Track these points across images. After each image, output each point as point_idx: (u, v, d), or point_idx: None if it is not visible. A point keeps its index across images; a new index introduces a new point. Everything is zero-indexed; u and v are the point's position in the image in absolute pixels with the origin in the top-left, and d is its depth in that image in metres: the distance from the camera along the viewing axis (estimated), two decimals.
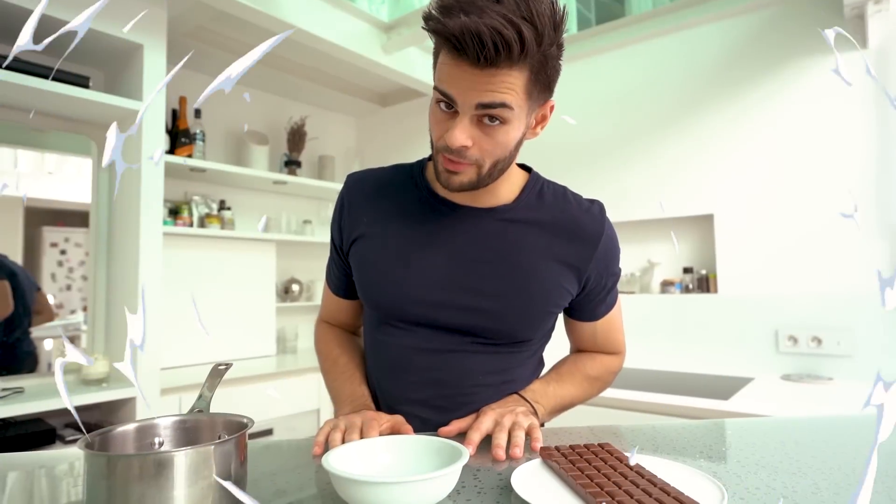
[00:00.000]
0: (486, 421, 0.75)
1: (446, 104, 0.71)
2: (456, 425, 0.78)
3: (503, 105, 0.68)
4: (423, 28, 0.69)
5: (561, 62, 0.73)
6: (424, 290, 0.82)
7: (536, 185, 0.86)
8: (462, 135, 0.69)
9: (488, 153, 0.72)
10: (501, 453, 0.69)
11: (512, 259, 0.81)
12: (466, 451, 0.58)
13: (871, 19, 1.92)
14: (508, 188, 0.84)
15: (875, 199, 1.93)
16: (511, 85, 0.67)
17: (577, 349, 0.98)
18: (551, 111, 0.79)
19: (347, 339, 1.00)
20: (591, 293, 0.87)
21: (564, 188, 0.88)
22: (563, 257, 0.82)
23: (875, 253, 1.92)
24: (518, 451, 0.70)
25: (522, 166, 0.89)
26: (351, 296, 0.95)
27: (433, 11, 0.67)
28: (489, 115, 0.69)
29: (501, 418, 0.75)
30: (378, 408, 0.89)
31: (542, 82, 0.71)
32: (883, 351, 1.87)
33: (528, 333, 0.85)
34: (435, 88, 0.71)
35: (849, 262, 1.96)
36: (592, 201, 0.88)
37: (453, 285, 0.81)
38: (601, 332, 0.93)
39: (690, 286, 2.33)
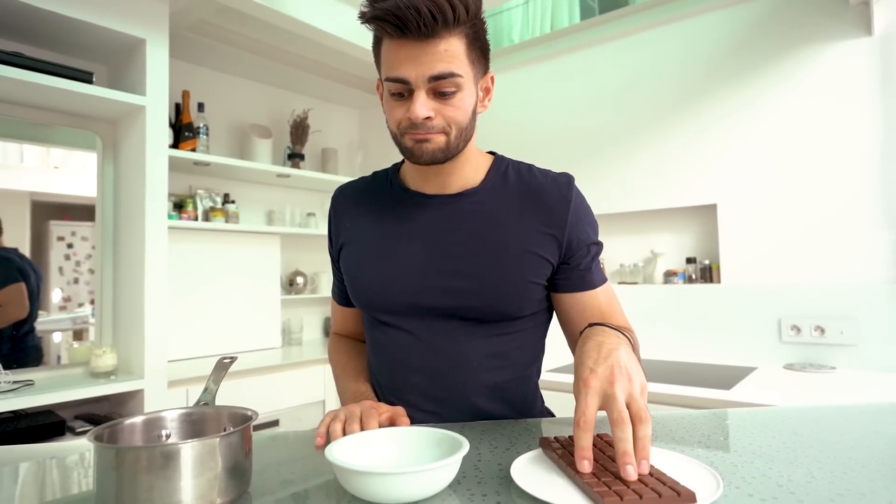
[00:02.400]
0: (590, 403, 0.58)
1: (399, 93, 0.76)
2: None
3: (452, 74, 0.74)
4: (362, 23, 0.75)
5: (488, 37, 0.81)
6: (404, 278, 0.85)
7: (501, 166, 0.89)
8: (423, 108, 0.74)
9: (452, 120, 0.77)
10: (632, 472, 0.53)
11: (484, 236, 0.83)
12: (466, 442, 0.59)
13: (877, 6, 1.90)
14: (474, 172, 0.87)
15: (880, 188, 1.92)
16: (453, 53, 0.74)
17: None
18: (492, 83, 0.85)
19: (354, 346, 1.05)
20: (575, 258, 0.85)
21: (530, 165, 0.90)
22: (535, 226, 0.83)
23: (879, 242, 1.91)
24: (646, 464, 0.54)
25: (489, 152, 0.92)
26: (351, 303, 1.00)
27: (365, 7, 0.73)
28: (442, 87, 0.75)
29: (611, 388, 0.57)
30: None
31: (479, 50, 0.78)
32: (886, 340, 1.87)
33: (513, 308, 0.84)
34: (386, 80, 0.76)
35: (852, 252, 1.96)
36: (561, 173, 0.89)
37: (431, 270, 0.84)
38: (605, 305, 0.87)
39: (694, 276, 2.33)
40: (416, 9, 0.69)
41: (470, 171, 0.87)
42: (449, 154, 0.80)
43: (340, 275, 0.98)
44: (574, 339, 0.89)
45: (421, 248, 0.85)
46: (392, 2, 0.70)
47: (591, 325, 0.75)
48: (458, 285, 0.83)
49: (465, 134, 0.80)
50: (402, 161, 0.94)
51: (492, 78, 0.84)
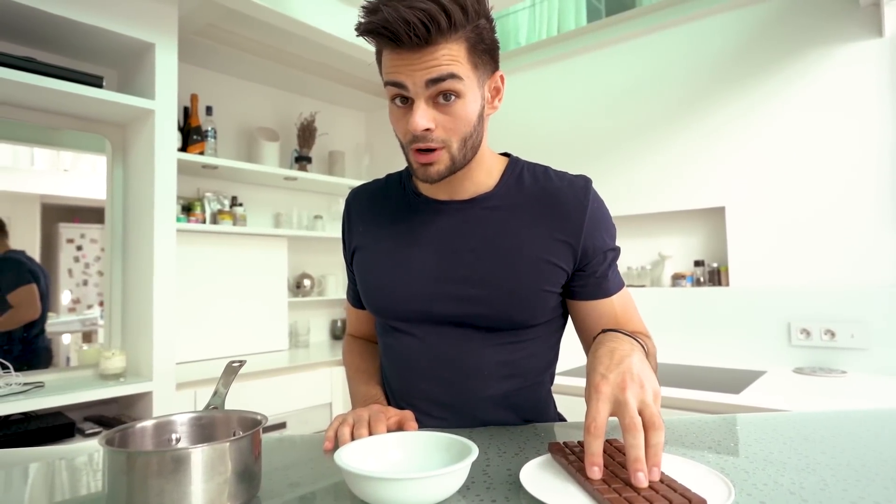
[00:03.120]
0: (601, 409, 0.57)
1: (401, 98, 0.74)
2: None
3: (451, 76, 0.71)
4: (358, 36, 0.73)
5: (496, 36, 0.78)
6: (415, 285, 0.84)
7: (516, 170, 0.87)
8: (422, 119, 0.72)
9: (453, 131, 0.74)
10: (643, 479, 0.53)
11: (496, 244, 0.81)
12: (475, 448, 0.59)
13: (888, 6, 1.88)
14: (487, 176, 0.85)
15: (889, 190, 1.90)
16: (453, 57, 0.71)
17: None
18: (503, 82, 0.82)
19: (368, 348, 1.04)
20: (591, 266, 0.83)
21: (546, 167, 0.87)
22: (550, 233, 0.81)
23: (889, 244, 1.89)
24: (657, 471, 0.54)
25: (504, 154, 0.90)
26: (358, 303, 1.01)
27: (361, 18, 0.71)
28: (442, 91, 0.72)
29: (622, 394, 0.57)
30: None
31: (483, 52, 0.74)
32: None
33: (526, 316, 0.82)
34: (386, 85, 0.74)
35: (862, 254, 1.94)
36: (578, 175, 0.86)
37: (442, 277, 0.83)
38: (620, 312, 0.86)
39: (702, 279, 2.31)
40: (405, 21, 0.67)
41: (483, 175, 0.84)
42: (456, 168, 0.78)
43: (354, 278, 0.97)
44: (589, 344, 0.87)
45: (433, 254, 0.83)
46: (382, 14, 0.68)
47: (604, 330, 0.74)
48: (469, 293, 0.81)
49: (472, 142, 0.77)
50: None
51: (501, 77, 0.81)
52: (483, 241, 0.82)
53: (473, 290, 0.81)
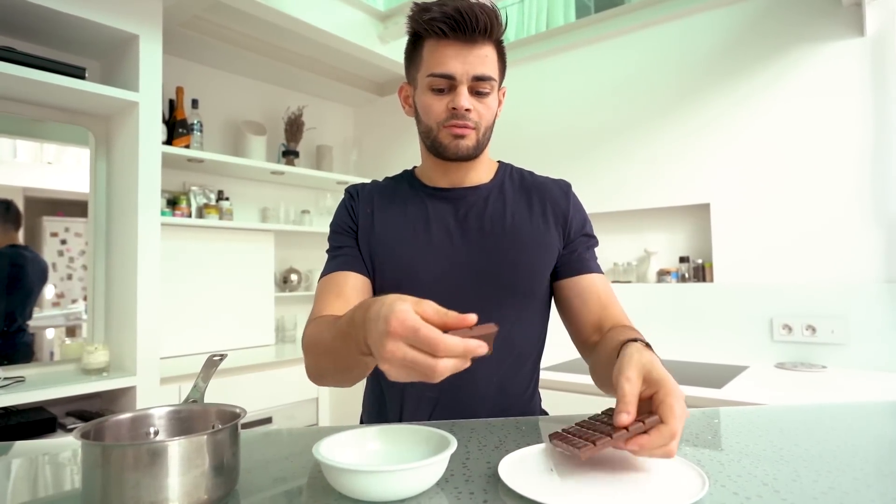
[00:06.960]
0: (678, 427, 0.58)
1: (440, 88, 0.86)
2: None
3: (490, 77, 0.86)
4: (414, 27, 0.86)
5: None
6: (431, 256, 0.90)
7: (507, 169, 1.01)
8: (466, 100, 0.85)
9: (483, 118, 0.88)
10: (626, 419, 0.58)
11: (500, 223, 0.93)
12: (454, 440, 0.59)
13: (869, 6, 1.90)
14: (485, 172, 0.98)
15: (870, 187, 1.93)
16: (490, 60, 0.86)
17: (586, 334, 0.91)
18: (503, 96, 0.96)
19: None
20: (572, 245, 0.95)
21: (531, 171, 1.02)
22: (542, 217, 0.94)
23: (870, 242, 1.92)
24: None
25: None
26: (356, 268, 0.91)
27: (417, 14, 0.85)
28: (480, 87, 0.86)
29: (682, 425, 0.60)
30: (384, 411, 0.95)
31: (502, 64, 0.91)
32: (876, 339, 1.88)
33: (527, 289, 0.91)
34: (430, 76, 0.85)
35: (844, 251, 1.97)
36: (559, 179, 1.01)
37: (454, 251, 0.91)
38: (603, 293, 0.91)
39: (687, 275, 2.34)
40: (475, 15, 0.82)
41: (483, 171, 0.97)
42: (478, 150, 0.90)
43: (354, 243, 0.93)
44: (577, 328, 0.93)
45: (443, 232, 0.92)
46: (452, 6, 0.82)
47: (632, 340, 0.71)
48: (480, 264, 0.90)
49: (489, 133, 0.91)
50: (414, 167, 1.02)
51: (504, 91, 0.96)
52: (489, 221, 0.93)
53: (482, 261, 0.90)
